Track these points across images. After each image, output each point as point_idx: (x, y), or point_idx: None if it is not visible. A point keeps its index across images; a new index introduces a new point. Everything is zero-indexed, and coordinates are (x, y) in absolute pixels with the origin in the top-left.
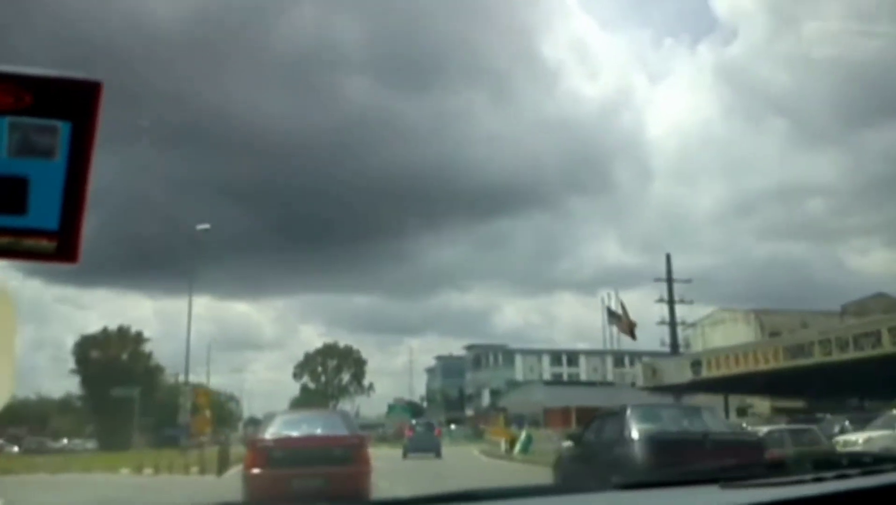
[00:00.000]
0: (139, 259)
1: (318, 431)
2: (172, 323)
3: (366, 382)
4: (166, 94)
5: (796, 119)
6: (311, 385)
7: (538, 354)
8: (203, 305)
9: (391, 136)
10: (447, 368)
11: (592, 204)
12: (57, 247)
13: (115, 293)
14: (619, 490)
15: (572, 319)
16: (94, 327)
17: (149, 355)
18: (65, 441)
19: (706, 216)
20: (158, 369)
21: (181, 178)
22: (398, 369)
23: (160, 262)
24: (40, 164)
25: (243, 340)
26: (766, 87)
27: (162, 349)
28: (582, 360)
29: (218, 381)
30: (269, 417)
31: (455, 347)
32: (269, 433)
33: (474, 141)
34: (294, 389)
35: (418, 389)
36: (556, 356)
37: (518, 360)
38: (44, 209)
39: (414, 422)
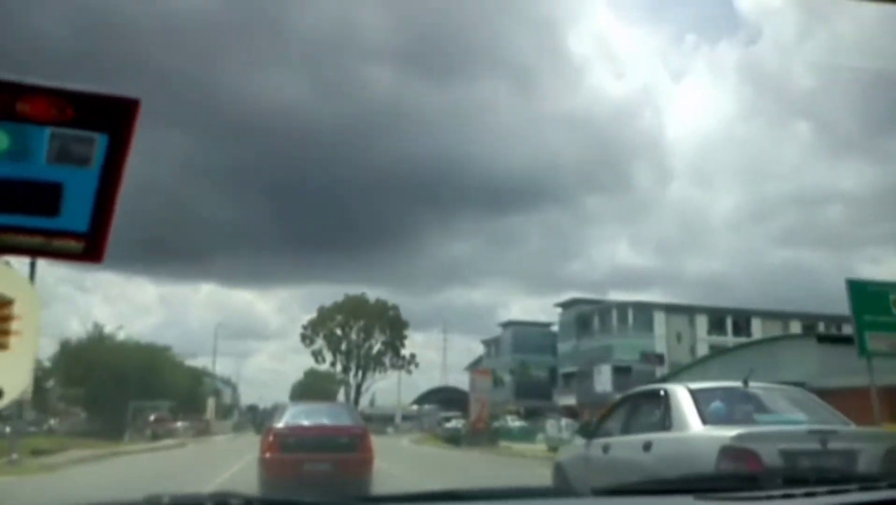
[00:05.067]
0: (146, 244)
1: (326, 422)
2: (176, 308)
3: (405, 353)
4: (181, 79)
5: (820, 124)
6: (327, 355)
7: (689, 311)
8: (207, 291)
9: (407, 126)
10: (521, 338)
11: (607, 203)
12: (84, 248)
13: (122, 277)
14: (597, 496)
15: None
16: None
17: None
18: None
19: (721, 220)
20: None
21: (191, 164)
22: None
23: (167, 247)
24: (76, 171)
25: (246, 329)
26: (790, 89)
27: (166, 334)
28: (756, 323)
29: (219, 367)
30: (283, 408)
31: (465, 343)
32: (284, 423)
33: (492, 134)
34: (296, 375)
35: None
36: (716, 318)
37: (660, 319)
38: (75, 212)
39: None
